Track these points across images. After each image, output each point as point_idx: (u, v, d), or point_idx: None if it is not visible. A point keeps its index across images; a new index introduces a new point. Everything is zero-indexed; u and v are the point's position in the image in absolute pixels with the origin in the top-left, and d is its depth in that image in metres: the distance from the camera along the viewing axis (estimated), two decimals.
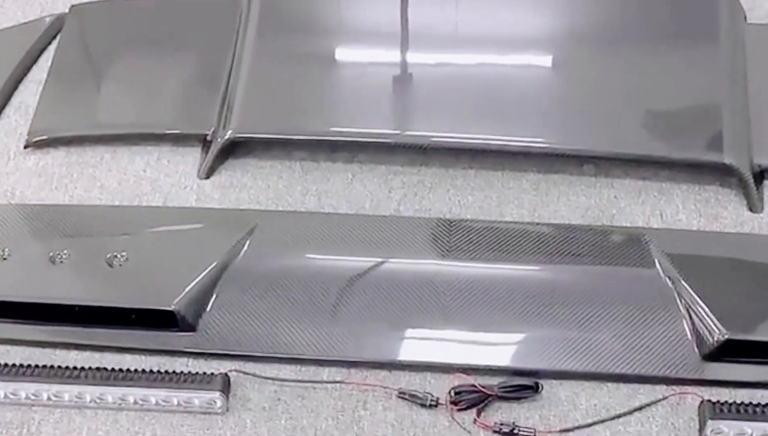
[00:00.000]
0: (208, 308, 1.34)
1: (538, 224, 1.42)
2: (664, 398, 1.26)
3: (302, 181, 1.52)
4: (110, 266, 1.37)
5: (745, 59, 1.54)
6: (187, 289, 1.33)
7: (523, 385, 1.27)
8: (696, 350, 1.28)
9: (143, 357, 1.34)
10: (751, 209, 1.44)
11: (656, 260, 1.35)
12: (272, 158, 1.54)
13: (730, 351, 1.26)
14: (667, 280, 1.33)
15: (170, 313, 1.31)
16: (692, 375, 1.27)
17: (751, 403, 1.23)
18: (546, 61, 1.57)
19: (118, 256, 1.37)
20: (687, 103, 1.50)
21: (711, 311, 1.28)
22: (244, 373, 1.30)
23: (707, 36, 1.56)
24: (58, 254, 1.38)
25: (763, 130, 1.47)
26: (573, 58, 1.57)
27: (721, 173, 1.46)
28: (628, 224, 1.44)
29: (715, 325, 1.26)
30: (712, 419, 1.21)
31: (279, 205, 1.48)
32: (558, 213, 1.46)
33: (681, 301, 1.31)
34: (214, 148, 1.51)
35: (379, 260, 1.38)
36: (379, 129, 1.51)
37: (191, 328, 1.33)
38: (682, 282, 1.32)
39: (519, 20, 1.61)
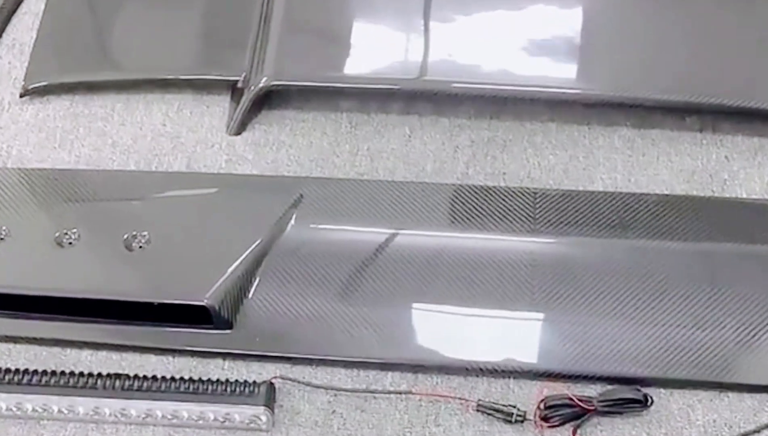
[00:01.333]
0: (248, 300, 1.12)
1: (639, 194, 1.18)
2: None
3: (351, 137, 1.28)
4: (129, 249, 1.14)
5: None
6: (223, 278, 1.11)
7: (629, 398, 1.05)
8: None
9: (170, 358, 1.12)
10: None
11: None
12: (314, 110, 1.30)
13: None
14: None
15: (202, 308, 1.10)
16: None
17: None
18: None
19: (138, 236, 1.15)
20: None
21: None
22: (291, 380, 1.09)
23: None
24: (66, 234, 1.16)
25: None
26: None
27: None
28: (744, 192, 1.20)
29: None
30: None
31: (324, 168, 1.25)
32: (658, 177, 1.22)
33: None
34: (246, 98, 1.27)
35: (452, 240, 1.16)
36: (441, 76, 1.26)
37: (228, 324, 1.11)
38: None
39: None
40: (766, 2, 1.28)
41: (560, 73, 1.26)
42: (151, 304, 1.11)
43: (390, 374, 1.10)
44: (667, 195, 1.19)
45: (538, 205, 1.17)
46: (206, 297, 1.09)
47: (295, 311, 1.11)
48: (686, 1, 1.29)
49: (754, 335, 1.07)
